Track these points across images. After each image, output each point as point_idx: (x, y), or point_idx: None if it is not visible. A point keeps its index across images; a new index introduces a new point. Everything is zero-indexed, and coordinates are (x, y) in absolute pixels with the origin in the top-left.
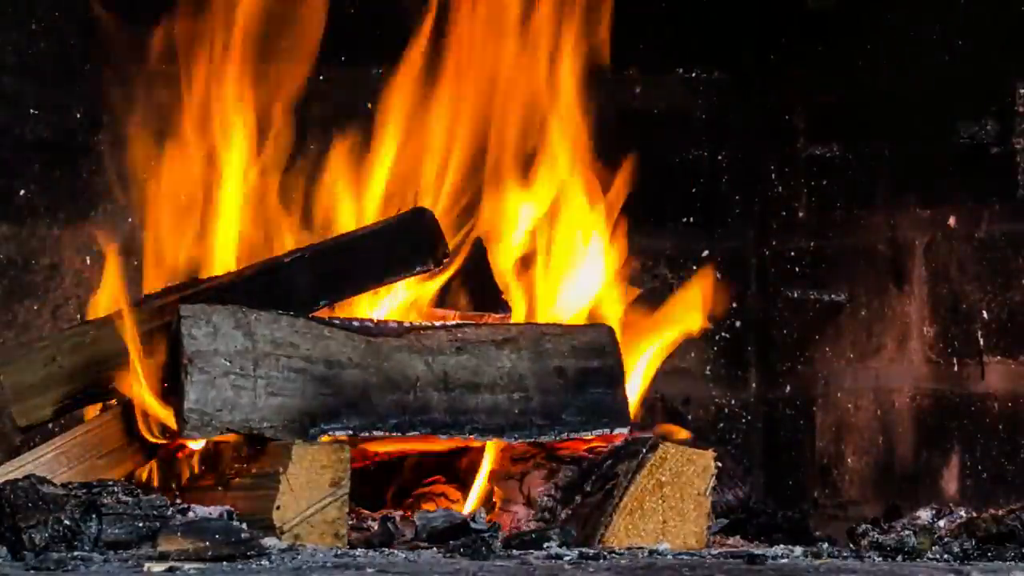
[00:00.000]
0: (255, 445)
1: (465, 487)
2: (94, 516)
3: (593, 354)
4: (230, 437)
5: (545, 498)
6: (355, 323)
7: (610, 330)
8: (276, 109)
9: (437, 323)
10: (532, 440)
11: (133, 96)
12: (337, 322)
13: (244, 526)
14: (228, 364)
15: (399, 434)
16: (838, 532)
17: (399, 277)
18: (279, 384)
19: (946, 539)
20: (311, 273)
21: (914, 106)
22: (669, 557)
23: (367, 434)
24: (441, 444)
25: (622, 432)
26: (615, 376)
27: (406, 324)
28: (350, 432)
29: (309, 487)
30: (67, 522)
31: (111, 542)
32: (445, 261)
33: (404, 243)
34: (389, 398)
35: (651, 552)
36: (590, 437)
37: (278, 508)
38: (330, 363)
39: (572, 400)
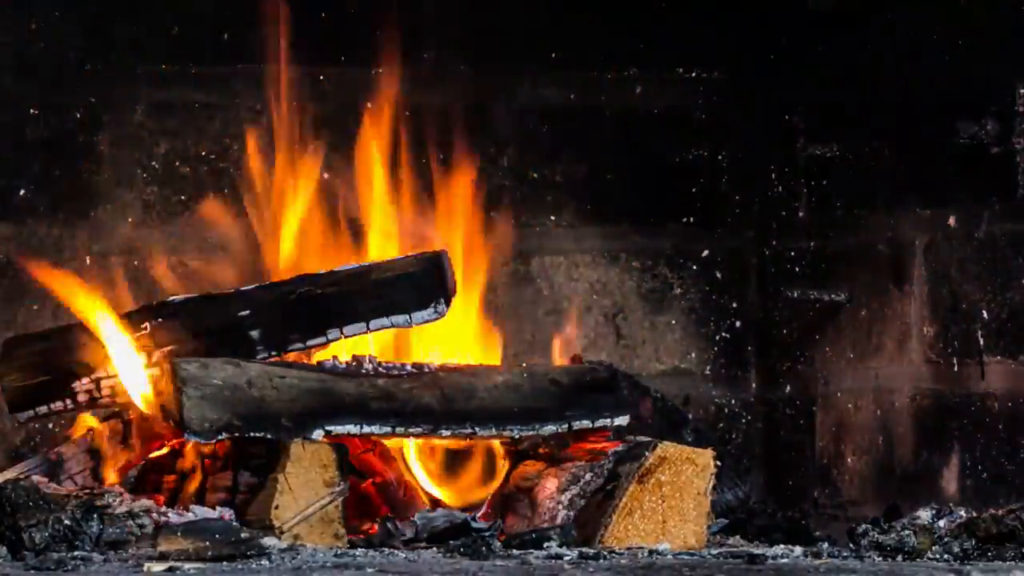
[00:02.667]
0: (254, 445)
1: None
2: (95, 516)
3: (586, 372)
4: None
5: (550, 501)
6: (340, 366)
7: (610, 365)
8: None
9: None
10: (534, 432)
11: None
12: (328, 365)
13: (244, 526)
14: (221, 384)
15: (402, 429)
16: (838, 532)
17: (412, 319)
18: (275, 395)
19: (946, 539)
20: (316, 305)
21: (914, 106)
22: (669, 557)
23: (368, 431)
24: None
25: (623, 421)
26: (612, 383)
27: (390, 364)
28: (351, 429)
29: (308, 487)
30: (68, 522)
31: (111, 542)
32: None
33: (421, 285)
34: (387, 404)
35: (651, 552)
36: (591, 425)
37: (276, 508)
38: (323, 380)
39: (570, 401)
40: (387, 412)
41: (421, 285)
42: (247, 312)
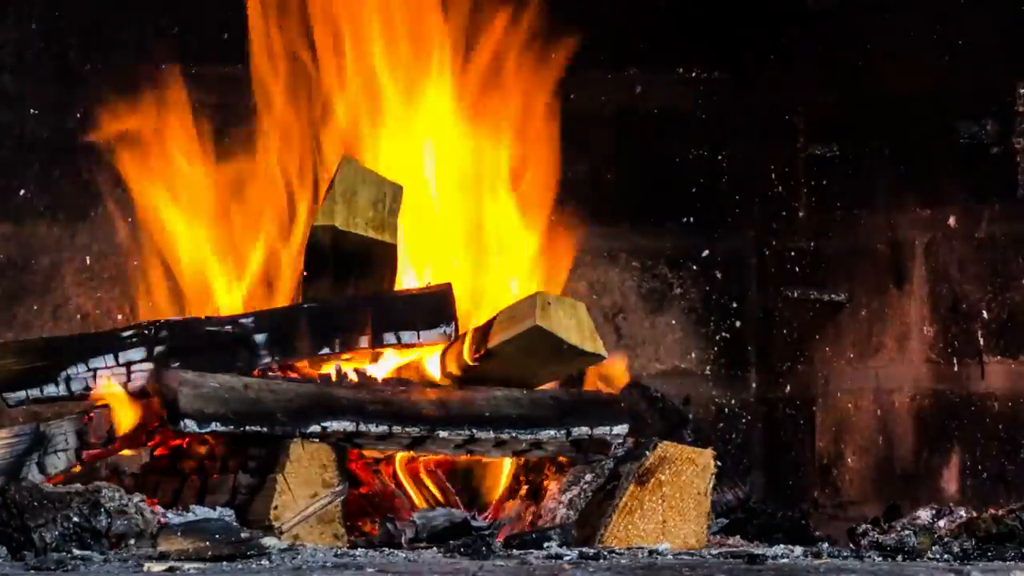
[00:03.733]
0: (254, 446)
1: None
2: (102, 512)
3: (587, 394)
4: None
5: (551, 502)
6: (342, 381)
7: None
8: None
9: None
10: (532, 436)
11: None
12: (326, 377)
13: (244, 526)
14: (218, 386)
15: (399, 429)
16: (838, 532)
17: (421, 336)
18: (271, 396)
19: (946, 539)
20: (325, 316)
21: (914, 106)
22: (669, 557)
23: (364, 429)
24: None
25: (621, 431)
26: (612, 400)
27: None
28: (347, 426)
29: (307, 487)
30: (76, 519)
31: (119, 535)
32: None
33: (431, 307)
34: (384, 408)
35: (651, 552)
36: (590, 432)
37: (276, 508)
38: (321, 387)
39: (570, 411)
40: (384, 414)
41: (431, 306)
42: (251, 318)
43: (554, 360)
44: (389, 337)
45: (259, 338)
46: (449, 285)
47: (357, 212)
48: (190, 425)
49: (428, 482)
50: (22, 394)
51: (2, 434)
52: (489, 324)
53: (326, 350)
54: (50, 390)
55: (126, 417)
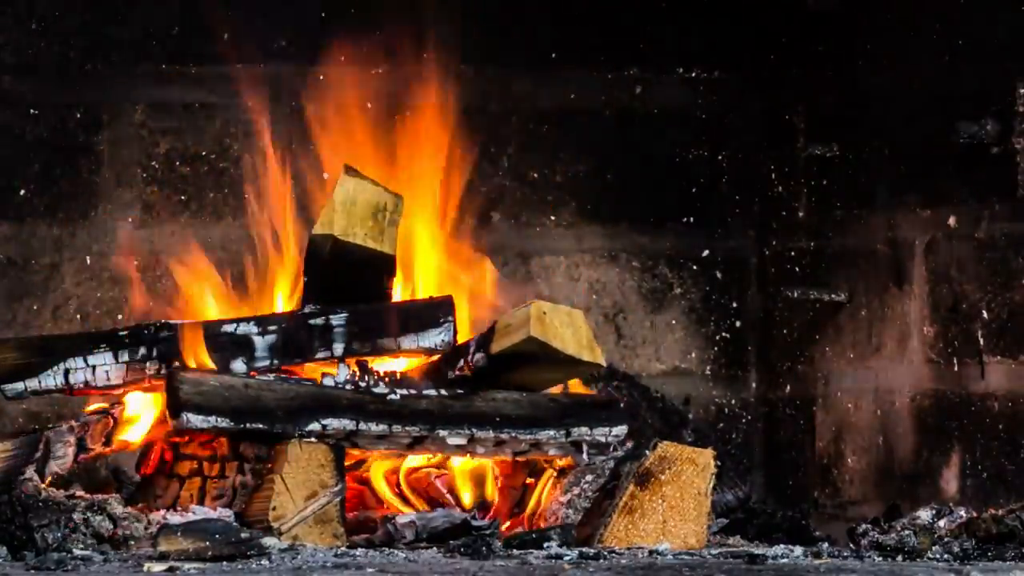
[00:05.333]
0: (252, 447)
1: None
2: (106, 516)
3: (587, 396)
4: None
5: (553, 503)
6: (348, 386)
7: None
8: None
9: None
10: (532, 436)
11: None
12: (325, 380)
13: (243, 526)
14: (218, 384)
15: (399, 428)
16: (838, 532)
17: (420, 340)
18: (271, 395)
19: (946, 539)
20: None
21: (914, 106)
22: (669, 557)
23: (364, 428)
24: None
25: (620, 432)
26: (611, 401)
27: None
28: (347, 425)
29: (305, 487)
30: (79, 522)
31: (121, 542)
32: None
33: (430, 314)
34: (383, 407)
35: (651, 552)
36: (590, 432)
37: (274, 508)
38: (321, 387)
39: (569, 412)
40: (384, 413)
41: (430, 314)
42: (251, 322)
43: (551, 368)
44: (389, 343)
45: (259, 341)
46: (450, 296)
47: (356, 222)
48: (191, 421)
49: (413, 497)
50: (20, 386)
51: (5, 446)
52: (490, 332)
53: (325, 355)
54: (48, 382)
55: (144, 417)
